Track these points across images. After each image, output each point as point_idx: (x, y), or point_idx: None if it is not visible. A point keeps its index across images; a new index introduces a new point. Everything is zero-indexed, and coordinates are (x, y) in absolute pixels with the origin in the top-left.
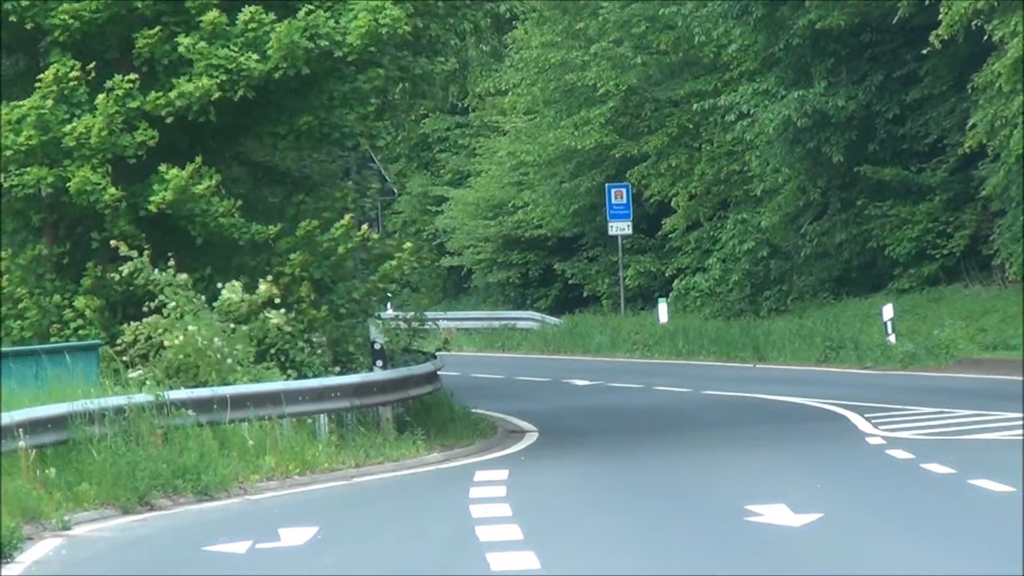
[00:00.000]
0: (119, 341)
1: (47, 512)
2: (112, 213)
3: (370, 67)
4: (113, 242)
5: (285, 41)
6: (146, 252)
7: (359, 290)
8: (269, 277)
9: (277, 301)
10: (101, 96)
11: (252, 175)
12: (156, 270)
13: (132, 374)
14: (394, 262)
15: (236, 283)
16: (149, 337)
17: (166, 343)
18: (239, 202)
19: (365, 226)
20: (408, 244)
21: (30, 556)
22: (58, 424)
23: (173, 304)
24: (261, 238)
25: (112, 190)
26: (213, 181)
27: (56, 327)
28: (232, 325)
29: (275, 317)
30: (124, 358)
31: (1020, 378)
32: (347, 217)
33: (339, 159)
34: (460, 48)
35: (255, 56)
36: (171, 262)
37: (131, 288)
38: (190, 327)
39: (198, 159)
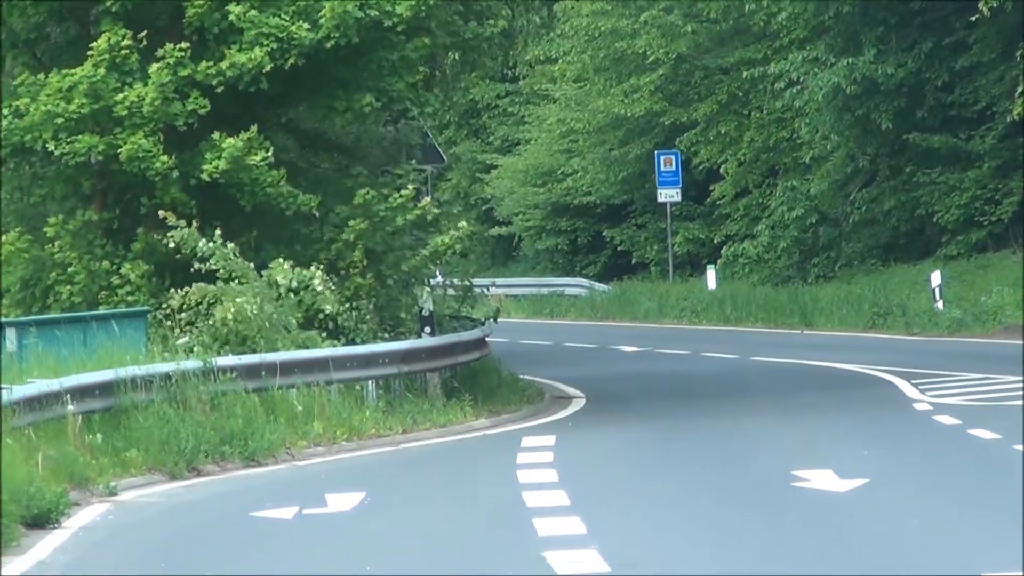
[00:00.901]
0: (166, 306)
1: (94, 478)
2: (162, 181)
3: (419, 35)
4: (161, 213)
5: (339, 11)
6: (194, 223)
7: (408, 261)
8: (320, 249)
9: (326, 287)
10: (155, 65)
11: (300, 143)
12: (203, 240)
13: (180, 340)
14: (447, 239)
15: (283, 262)
16: (198, 304)
17: (216, 312)
18: (283, 172)
19: (426, 199)
20: (463, 223)
21: (77, 521)
22: (106, 390)
23: (222, 270)
24: (306, 209)
25: (164, 158)
26: (268, 152)
27: (104, 293)
28: (281, 291)
29: (326, 302)
30: (171, 323)
31: None
32: (409, 187)
33: (389, 127)
34: (510, 17)
35: (306, 25)
36: (218, 231)
37: (179, 255)
38: (239, 296)
39: (253, 128)
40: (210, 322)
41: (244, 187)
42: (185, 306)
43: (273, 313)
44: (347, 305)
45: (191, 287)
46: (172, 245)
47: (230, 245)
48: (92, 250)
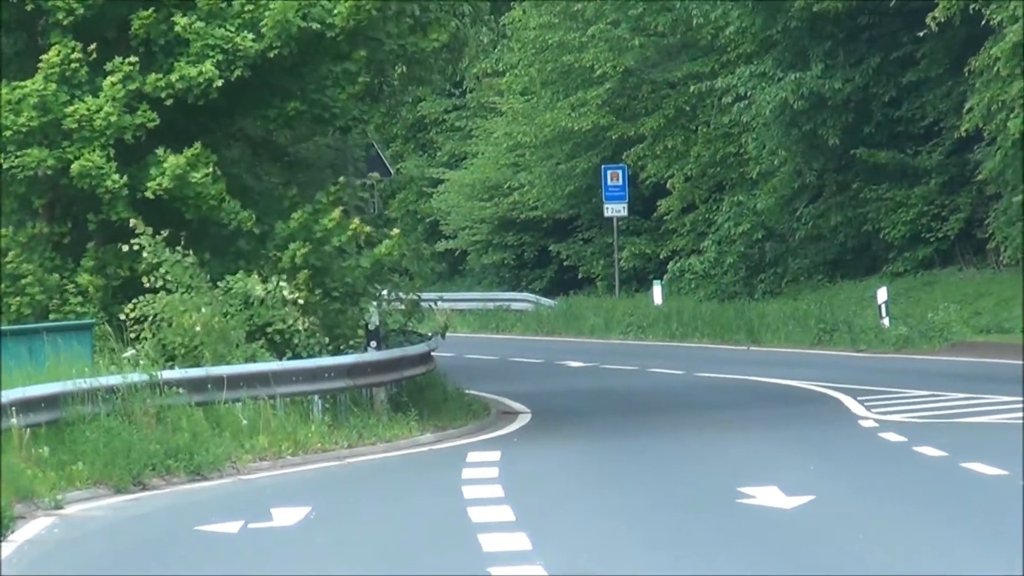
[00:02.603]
0: (122, 315)
1: (40, 491)
2: (111, 197)
3: (359, 46)
4: (132, 221)
5: (279, 19)
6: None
7: (352, 274)
8: (264, 265)
9: (296, 297)
10: (109, 79)
11: (252, 153)
12: (168, 249)
13: (126, 354)
14: (383, 248)
15: (253, 274)
16: (146, 317)
17: (182, 321)
18: (222, 186)
19: (356, 220)
20: (396, 230)
21: (22, 535)
22: (51, 403)
23: (171, 279)
24: (247, 226)
25: (115, 176)
26: (210, 168)
27: (55, 304)
28: (231, 305)
29: (290, 317)
30: (125, 334)
31: (1015, 361)
32: (336, 211)
33: (337, 143)
34: (457, 28)
35: (250, 36)
36: (181, 243)
37: (132, 269)
38: (190, 308)
39: (197, 145)
40: (165, 333)
41: (188, 201)
42: (140, 317)
43: (223, 326)
44: (300, 321)
45: (142, 299)
46: (135, 249)
47: (190, 257)
48: (43, 263)
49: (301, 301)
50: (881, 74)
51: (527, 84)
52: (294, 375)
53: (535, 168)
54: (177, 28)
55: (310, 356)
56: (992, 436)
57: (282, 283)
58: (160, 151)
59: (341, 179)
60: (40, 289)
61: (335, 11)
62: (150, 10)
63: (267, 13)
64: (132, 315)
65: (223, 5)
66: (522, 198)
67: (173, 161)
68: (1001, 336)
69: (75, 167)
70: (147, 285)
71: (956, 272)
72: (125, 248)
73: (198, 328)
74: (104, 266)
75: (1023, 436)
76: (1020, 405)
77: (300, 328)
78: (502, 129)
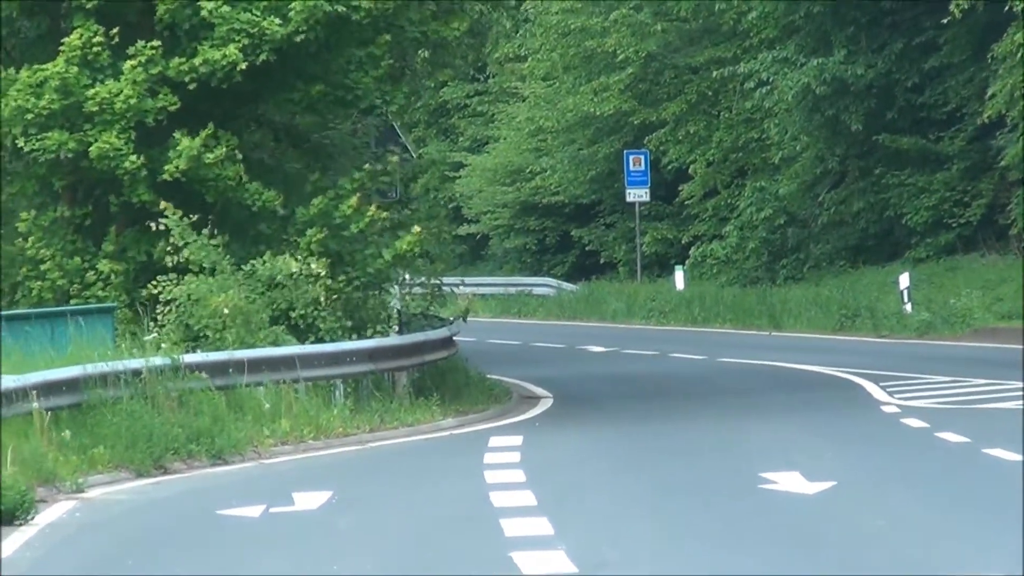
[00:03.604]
0: (144, 294)
1: (61, 474)
2: (131, 179)
3: (384, 31)
4: (163, 204)
5: (309, 4)
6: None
7: (374, 263)
8: (286, 249)
9: (323, 274)
10: (130, 62)
11: (274, 138)
12: (193, 232)
13: (148, 337)
14: (404, 243)
15: (287, 255)
16: (173, 299)
17: (209, 303)
18: (241, 168)
19: (373, 207)
20: (417, 228)
21: (44, 518)
22: (73, 387)
23: (194, 261)
24: (270, 206)
25: (133, 157)
26: (225, 148)
27: (77, 288)
28: (257, 289)
29: (317, 290)
30: (153, 316)
31: None
32: (355, 198)
33: (360, 126)
34: (479, 14)
35: (277, 20)
36: (208, 226)
37: (149, 254)
38: (216, 289)
39: (210, 126)
40: (192, 314)
41: (208, 183)
42: (166, 299)
43: (247, 309)
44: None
45: (164, 278)
46: (159, 231)
47: (215, 240)
48: (64, 247)
49: (328, 280)
50: (904, 60)
51: (549, 69)
52: (316, 359)
53: (557, 153)
54: (203, 12)
55: (333, 340)
56: (1015, 422)
57: (310, 260)
58: (177, 134)
59: (367, 166)
60: (61, 273)
61: None
62: None
63: None
64: (156, 293)
65: None
66: (544, 183)
67: (187, 143)
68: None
69: (93, 149)
70: (169, 266)
71: (978, 258)
72: (153, 227)
73: (225, 310)
74: (125, 250)
75: (1023, 420)
76: None
77: (324, 308)
78: (524, 114)
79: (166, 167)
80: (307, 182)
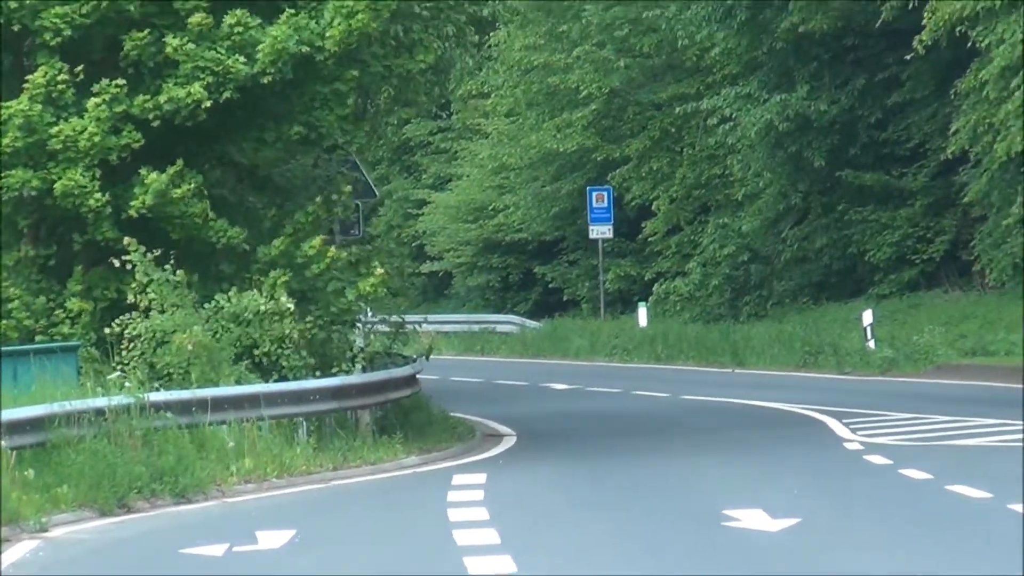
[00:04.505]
0: (107, 331)
1: (25, 514)
2: (95, 217)
3: (349, 67)
4: (126, 240)
5: (278, 47)
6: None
7: (336, 303)
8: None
9: (291, 310)
10: (93, 100)
11: (236, 177)
12: (157, 268)
13: (111, 376)
14: (367, 285)
15: (254, 292)
16: (138, 335)
17: (174, 340)
18: (208, 205)
19: (332, 249)
20: (380, 270)
21: (7, 558)
22: (37, 425)
23: (154, 298)
24: (235, 242)
25: (97, 195)
26: (192, 185)
27: (43, 326)
28: (222, 325)
29: (287, 327)
30: (116, 356)
31: (1000, 384)
32: (317, 239)
33: (321, 163)
34: (443, 51)
35: (242, 59)
36: (171, 261)
37: (119, 291)
38: (182, 327)
39: (179, 162)
40: (157, 354)
41: (174, 220)
42: (131, 336)
43: (215, 346)
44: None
45: (127, 316)
46: (125, 268)
47: (179, 273)
48: (28, 286)
49: (294, 318)
50: (866, 96)
51: (512, 105)
52: (280, 397)
53: (520, 190)
54: (168, 49)
55: (296, 378)
56: (977, 459)
57: (280, 296)
58: (143, 171)
59: (318, 199)
60: (27, 313)
61: (327, 34)
62: (144, 32)
63: (263, 38)
64: (117, 331)
65: (213, 28)
66: (507, 220)
67: (154, 178)
68: (986, 359)
69: (58, 186)
70: (136, 303)
71: (941, 294)
72: (116, 264)
73: (190, 347)
74: (90, 288)
75: None
76: (1005, 427)
77: (292, 342)
78: (487, 151)
79: (132, 203)
80: (265, 219)
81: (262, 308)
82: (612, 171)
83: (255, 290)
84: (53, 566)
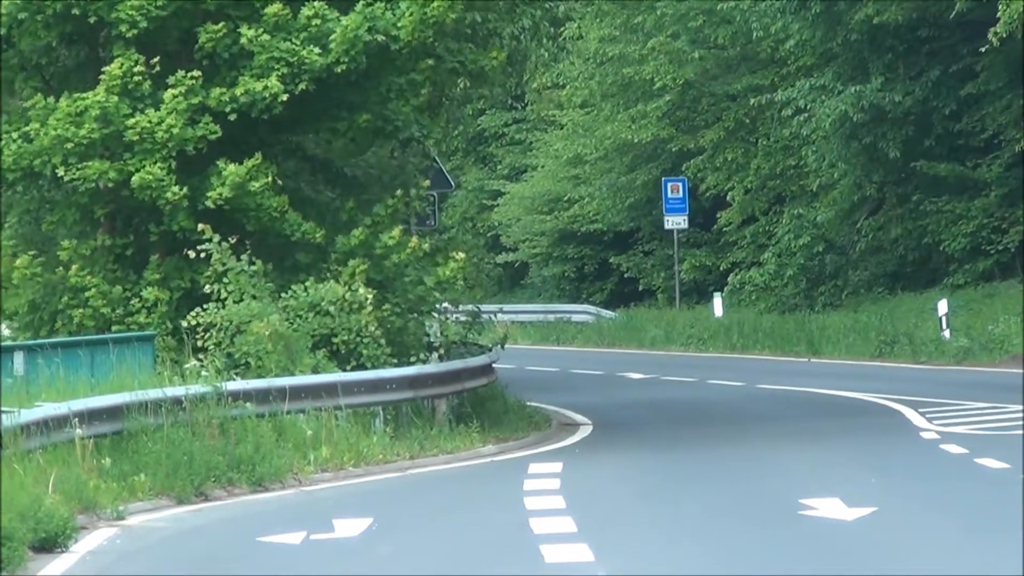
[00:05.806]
0: (184, 323)
1: (102, 502)
2: (171, 208)
3: (424, 59)
4: (200, 226)
5: (350, 35)
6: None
7: (414, 291)
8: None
9: (370, 300)
10: (170, 91)
11: (309, 169)
12: (233, 257)
13: (188, 364)
14: (447, 270)
15: (332, 282)
16: (213, 325)
17: (252, 328)
18: (286, 200)
19: (415, 239)
20: (461, 255)
21: (84, 546)
22: (114, 414)
23: (233, 289)
24: (310, 238)
25: (175, 188)
26: (269, 178)
27: (119, 315)
28: (299, 315)
29: (365, 317)
30: (196, 342)
31: None
32: (397, 229)
33: (396, 154)
34: (518, 42)
35: (316, 50)
36: (247, 252)
37: (194, 281)
38: (258, 316)
39: (257, 155)
40: (236, 343)
41: (250, 212)
42: (200, 326)
43: (292, 335)
44: (365, 331)
45: (206, 306)
46: (200, 258)
47: (255, 266)
48: (105, 275)
49: (371, 307)
50: (941, 87)
51: (587, 97)
52: (357, 386)
53: (595, 181)
54: (243, 41)
55: (374, 367)
56: None
57: (358, 286)
58: (220, 163)
59: (399, 192)
60: (104, 302)
61: (400, 24)
62: (220, 24)
63: (336, 28)
64: (195, 322)
65: (289, 19)
66: (582, 211)
67: (233, 170)
68: None
69: (135, 179)
70: (210, 293)
71: (1016, 284)
72: (192, 255)
73: (267, 336)
74: (167, 278)
75: (1023, 442)
76: None
77: (370, 333)
78: (562, 142)
79: (209, 194)
80: (341, 211)
81: (341, 297)
82: (687, 162)
83: (332, 280)
84: (130, 554)
